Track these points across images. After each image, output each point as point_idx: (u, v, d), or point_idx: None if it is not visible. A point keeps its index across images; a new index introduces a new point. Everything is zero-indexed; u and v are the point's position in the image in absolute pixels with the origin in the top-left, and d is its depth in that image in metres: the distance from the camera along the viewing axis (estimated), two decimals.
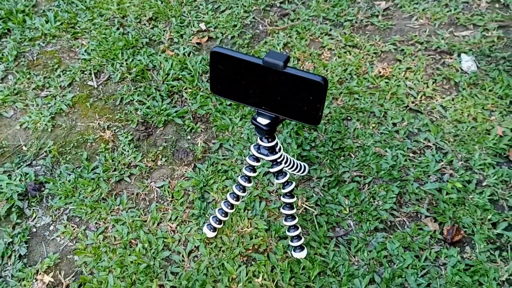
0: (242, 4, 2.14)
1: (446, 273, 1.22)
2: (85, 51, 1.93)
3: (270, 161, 1.11)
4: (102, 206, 1.41)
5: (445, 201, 1.37)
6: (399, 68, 1.78)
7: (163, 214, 1.39)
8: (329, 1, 2.13)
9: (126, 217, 1.38)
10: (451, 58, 1.82)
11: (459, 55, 1.82)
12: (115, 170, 1.51)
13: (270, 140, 1.07)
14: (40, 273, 1.28)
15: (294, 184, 1.16)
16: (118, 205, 1.42)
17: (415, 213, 1.36)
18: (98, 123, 1.66)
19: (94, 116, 1.69)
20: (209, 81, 1.01)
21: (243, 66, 0.94)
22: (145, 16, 2.09)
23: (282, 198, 1.17)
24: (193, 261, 1.28)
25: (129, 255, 1.29)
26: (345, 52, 1.87)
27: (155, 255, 1.29)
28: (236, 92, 0.99)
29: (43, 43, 1.98)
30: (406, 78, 1.75)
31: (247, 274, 1.23)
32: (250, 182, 1.18)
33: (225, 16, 2.08)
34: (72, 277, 1.27)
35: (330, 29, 1.99)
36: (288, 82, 0.91)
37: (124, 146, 1.58)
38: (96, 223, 1.38)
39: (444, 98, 1.67)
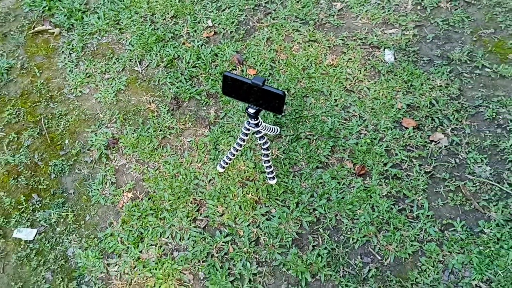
0: (238, 4, 2.96)
1: (353, 191, 2.21)
2: (130, 43, 2.79)
3: (255, 131, 2.05)
4: (155, 153, 2.37)
5: (359, 150, 2.33)
6: (343, 59, 2.67)
7: (192, 158, 2.35)
8: (300, 2, 2.95)
9: (171, 160, 2.34)
10: (378, 52, 2.70)
11: (384, 49, 2.70)
12: (160, 130, 2.45)
13: (255, 119, 2.00)
14: (125, 192, 2.26)
15: (269, 142, 2.10)
16: (165, 153, 2.37)
17: (341, 158, 2.33)
18: (145, 98, 2.58)
19: (142, 93, 2.60)
20: (222, 88, 1.89)
21: (240, 83, 1.84)
22: (168, 14, 2.92)
23: (262, 150, 2.12)
24: (211, 185, 2.26)
25: (175, 182, 2.27)
26: (308, 46, 2.74)
27: (190, 182, 2.27)
28: (237, 95, 1.90)
29: (99, 36, 2.83)
30: (347, 67, 2.64)
31: (242, 192, 2.22)
32: (244, 141, 2.12)
33: (225, 14, 2.91)
34: (144, 194, 2.25)
35: (300, 26, 2.84)
36: (265, 93, 1.82)
37: (164, 114, 2.50)
38: (153, 163, 2.34)
39: (369, 81, 2.58)
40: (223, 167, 2.28)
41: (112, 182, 2.30)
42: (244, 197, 2.20)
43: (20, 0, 3.03)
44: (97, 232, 2.16)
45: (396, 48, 2.70)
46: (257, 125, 2.00)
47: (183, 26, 2.87)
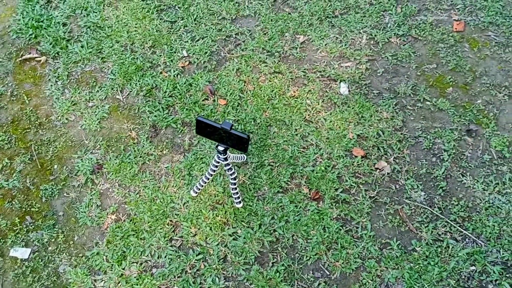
0: (210, 34, 3.25)
1: (308, 214, 2.58)
2: (111, 72, 3.06)
3: (224, 164, 2.38)
4: (136, 178, 2.68)
5: (315, 177, 2.69)
6: (304, 91, 3.01)
7: (169, 183, 2.67)
8: (267, 34, 3.26)
9: (149, 184, 2.66)
10: (335, 84, 3.04)
11: (340, 82, 3.05)
12: (140, 156, 2.75)
13: (224, 155, 2.33)
14: (109, 214, 2.57)
15: (236, 173, 2.44)
16: (145, 178, 2.68)
17: (298, 183, 2.68)
18: (126, 126, 2.87)
19: (123, 120, 2.89)
20: (195, 129, 2.20)
21: (211, 127, 2.15)
22: (147, 43, 3.19)
23: (230, 180, 2.45)
24: (186, 208, 2.59)
25: (153, 205, 2.59)
26: (273, 77, 3.06)
27: (166, 205, 2.59)
28: (208, 135, 2.21)
29: (83, 65, 3.09)
30: (307, 98, 2.98)
31: (213, 215, 2.56)
32: (214, 172, 2.45)
33: (199, 45, 3.20)
34: (126, 216, 2.57)
35: (266, 58, 3.15)
36: (232, 136, 2.15)
37: (143, 141, 2.81)
38: (134, 188, 2.66)
39: (326, 112, 2.93)
40: (196, 192, 2.61)
41: (97, 205, 2.60)
42: (214, 219, 2.54)
43: (7, 27, 3.24)
44: (85, 251, 2.48)
45: (350, 81, 3.05)
46: (225, 159, 2.33)
47: (160, 55, 3.15)
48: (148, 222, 2.53)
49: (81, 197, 2.63)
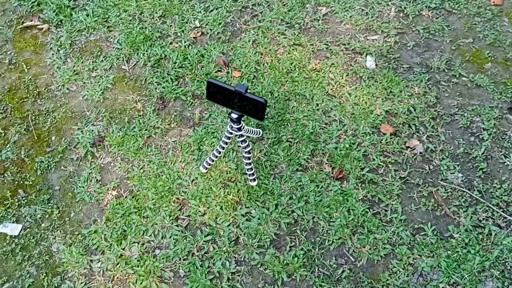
0: (225, 5, 3.01)
1: (330, 194, 2.30)
2: (117, 41, 2.83)
3: (237, 135, 2.12)
4: (140, 152, 2.43)
5: (338, 155, 2.41)
6: (326, 64, 2.74)
7: (176, 158, 2.41)
8: (287, 5, 3.01)
9: (155, 159, 2.40)
10: (361, 57, 2.77)
11: (366, 55, 2.78)
12: (146, 129, 2.51)
13: (238, 124, 2.07)
14: (109, 190, 2.32)
15: (251, 145, 2.18)
16: (150, 152, 2.43)
17: (320, 161, 2.41)
18: (132, 97, 2.63)
19: (129, 92, 2.65)
20: (206, 94, 1.95)
21: (224, 90, 1.90)
22: (157, 13, 2.96)
23: (243, 153, 2.19)
24: (194, 185, 2.33)
25: (159, 181, 2.33)
26: (293, 49, 2.81)
27: (173, 181, 2.33)
28: (220, 101, 1.96)
29: (87, 34, 2.87)
30: (330, 71, 2.72)
31: (224, 193, 2.29)
32: (227, 144, 2.19)
33: (213, 15, 2.96)
34: (128, 192, 2.32)
35: (285, 30, 2.90)
36: (247, 100, 1.89)
37: (150, 113, 2.56)
38: (138, 162, 2.41)
39: (351, 87, 2.66)
40: (206, 168, 2.35)
41: (97, 179, 2.35)
42: (226, 197, 2.27)
43: None
44: (81, 228, 2.22)
45: (378, 54, 2.78)
46: (239, 129, 2.07)
47: (170, 25, 2.92)
48: (152, 199, 2.28)
49: (79, 171, 2.38)
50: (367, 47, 2.80)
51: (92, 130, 2.49)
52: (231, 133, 2.10)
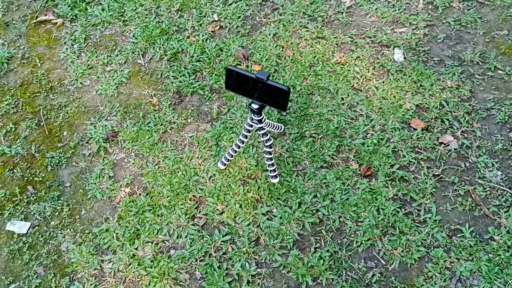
0: None
1: (358, 193, 2.13)
2: (133, 35, 2.73)
3: (258, 127, 1.98)
4: (155, 148, 2.30)
5: (365, 151, 2.25)
6: (352, 57, 2.60)
7: (193, 154, 2.28)
8: None
9: (170, 155, 2.27)
10: (388, 50, 2.62)
11: (393, 48, 2.62)
12: (161, 124, 2.38)
13: (259, 116, 1.93)
14: (122, 187, 2.19)
15: (272, 139, 2.03)
16: (165, 148, 2.30)
17: (346, 158, 2.25)
18: (147, 92, 2.51)
19: (144, 86, 2.54)
20: (225, 83, 1.82)
21: (244, 78, 1.77)
22: (174, 7, 2.86)
23: (264, 148, 2.05)
24: (212, 182, 2.19)
25: (174, 178, 2.20)
26: (316, 43, 2.67)
27: (189, 178, 2.20)
28: (240, 90, 1.83)
29: (102, 28, 2.77)
30: (355, 65, 2.57)
31: (243, 191, 2.14)
32: (247, 138, 2.05)
33: (232, 9, 2.84)
34: (142, 189, 2.19)
35: (307, 23, 2.76)
36: (269, 88, 1.75)
37: (165, 108, 2.44)
38: (152, 158, 2.28)
39: (378, 81, 2.50)
40: (225, 164, 2.20)
41: (109, 176, 2.23)
42: (245, 195, 2.13)
43: None
44: (92, 227, 2.09)
45: (406, 47, 2.62)
46: (260, 121, 1.93)
47: (188, 19, 2.81)
48: (167, 197, 2.14)
49: (91, 167, 2.26)
50: (394, 40, 2.65)
51: (106, 125, 2.38)
52: (251, 126, 1.97)
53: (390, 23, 2.75)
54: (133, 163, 2.26)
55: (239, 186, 2.16)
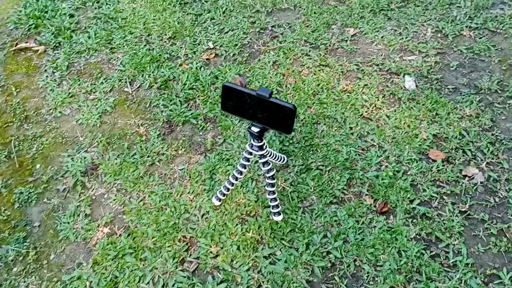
0: (242, 27, 2.71)
1: (374, 232, 1.84)
2: (121, 63, 2.51)
3: (259, 155, 1.71)
4: (140, 182, 2.01)
5: (380, 184, 1.98)
6: (359, 85, 2.38)
7: (183, 188, 1.99)
8: (310, 26, 2.71)
9: (158, 190, 1.98)
10: (398, 78, 2.41)
11: (404, 76, 2.42)
12: (148, 156, 2.11)
13: (259, 141, 1.67)
14: (100, 226, 1.88)
15: (274, 170, 1.76)
16: (152, 182, 2.02)
17: (358, 192, 1.97)
18: (134, 121, 2.25)
19: (130, 115, 2.28)
20: (221, 103, 1.59)
21: (243, 96, 1.52)
22: (166, 35, 2.67)
23: (266, 180, 1.77)
24: (205, 221, 1.88)
25: (161, 216, 1.90)
26: (319, 70, 2.46)
27: (179, 216, 1.90)
28: (238, 111, 1.58)
29: (88, 55, 2.56)
30: (363, 93, 2.34)
31: (241, 230, 1.84)
32: (245, 168, 1.78)
33: (228, 37, 2.65)
34: (123, 229, 1.88)
35: (309, 51, 2.57)
36: (272, 107, 1.50)
37: (154, 139, 2.17)
38: (137, 193, 1.98)
39: (389, 109, 2.27)
40: (220, 200, 1.91)
41: (86, 214, 1.92)
42: (244, 235, 1.82)
43: (6, 18, 2.78)
44: (61, 274, 1.76)
45: (417, 75, 2.42)
46: (261, 148, 1.67)
47: (181, 47, 2.61)
48: (153, 238, 1.83)
49: (65, 204, 1.96)
50: (404, 68, 2.45)
51: (85, 157, 2.10)
52: (251, 154, 1.70)
53: (398, 51, 2.56)
54: (114, 199, 1.96)
55: (237, 224, 1.86)
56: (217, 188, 1.97)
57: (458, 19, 2.71)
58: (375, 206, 1.92)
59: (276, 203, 1.83)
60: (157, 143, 2.16)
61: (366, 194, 1.96)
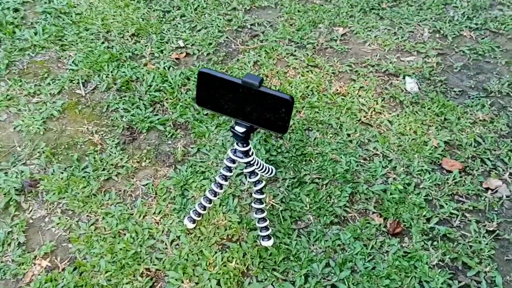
0: (217, 24, 2.37)
1: (388, 258, 1.48)
2: (73, 62, 2.11)
3: (245, 163, 1.34)
4: (93, 201, 1.60)
5: (389, 200, 1.63)
6: (354, 87, 2.06)
7: (148, 208, 1.59)
8: (294, 25, 2.39)
9: (115, 210, 1.57)
10: (397, 80, 2.11)
11: (404, 77, 2.11)
12: (103, 169, 1.70)
13: (245, 145, 1.30)
14: (38, 258, 1.45)
15: (264, 182, 1.39)
16: (107, 200, 1.60)
17: (364, 210, 1.62)
18: (87, 128, 1.85)
19: (83, 121, 1.87)
20: (195, 95, 1.23)
21: (226, 85, 1.16)
22: (128, 32, 2.29)
23: (253, 194, 1.40)
24: (175, 248, 1.48)
25: (118, 243, 1.48)
26: (307, 71, 2.13)
27: (142, 243, 1.49)
28: (219, 105, 1.21)
29: (33, 53, 2.14)
30: (359, 96, 2.02)
31: (222, 259, 1.45)
32: (226, 180, 1.40)
33: (201, 35, 2.30)
34: (68, 261, 1.45)
35: (295, 50, 2.25)
36: (262, 99, 1.14)
37: (111, 148, 1.77)
38: (87, 215, 1.56)
39: (390, 114, 1.95)
40: (194, 221, 1.52)
41: (19, 243, 1.48)
42: (225, 266, 1.42)
43: None
44: None
45: (418, 76, 2.12)
46: (246, 154, 1.32)
47: (146, 45, 2.23)
48: (107, 272, 1.40)
49: None
50: (403, 69, 2.15)
51: (22, 171, 1.67)
52: (234, 162, 1.34)
53: (395, 51, 2.27)
54: (58, 223, 1.53)
55: (216, 252, 1.46)
56: (191, 207, 1.57)
57: (456, 19, 2.46)
58: (385, 226, 1.56)
59: (265, 224, 1.45)
60: (115, 153, 1.75)
61: (373, 212, 1.61)
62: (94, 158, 1.73)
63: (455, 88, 2.08)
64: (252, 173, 1.36)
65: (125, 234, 1.51)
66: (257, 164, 1.46)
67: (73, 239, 1.49)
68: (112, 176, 1.68)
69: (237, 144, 1.30)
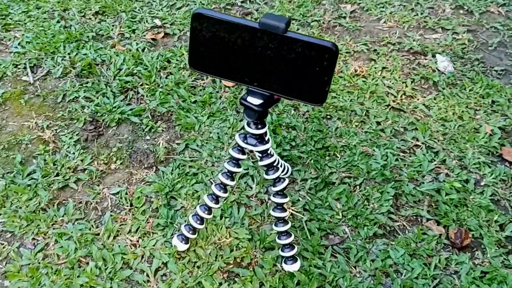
0: (200, 2, 1.95)
1: (460, 282, 1.06)
2: (19, 43, 1.65)
3: (259, 152, 0.92)
4: (41, 217, 1.13)
5: (446, 202, 1.22)
6: (375, 67, 1.67)
7: (120, 225, 1.13)
8: (294, 2, 2.00)
9: (73, 230, 1.10)
10: (425, 59, 1.73)
11: (433, 56, 1.74)
12: (57, 175, 1.23)
13: (260, 126, 0.88)
14: None
15: (287, 181, 0.96)
16: (62, 216, 1.14)
17: (415, 216, 1.20)
18: (35, 122, 1.38)
19: (30, 114, 1.41)
20: (188, 53, 0.81)
21: (234, 32, 0.75)
22: (90, 10, 1.85)
23: (272, 198, 0.97)
24: (161, 281, 1.02)
25: (78, 276, 1.01)
26: None
27: (113, 276, 1.03)
28: (223, 66, 0.80)
29: None
30: (384, 77, 1.63)
31: None
32: (233, 179, 0.97)
33: (182, 13, 1.88)
34: None
35: (298, 29, 1.85)
36: (290, 50, 0.73)
37: (68, 147, 1.31)
38: (33, 238, 1.09)
39: (425, 97, 1.56)
40: (187, 241, 1.07)
41: None
42: None
43: None
44: None
45: (450, 55, 1.75)
46: (261, 139, 0.90)
47: (113, 25, 1.79)
48: None
49: None
50: (430, 47, 1.78)
51: None
52: (243, 152, 0.92)
53: (416, 28, 1.90)
54: None
55: (221, 284, 1.01)
56: (181, 221, 1.12)
57: None
58: (448, 238, 1.15)
59: (289, 240, 1.02)
60: (73, 153, 1.29)
61: (428, 219, 1.19)
62: (45, 160, 1.26)
63: (495, 67, 1.71)
64: (270, 167, 0.94)
65: (87, 264, 1.04)
66: (271, 157, 1.03)
67: (11, 274, 1.02)
68: (69, 183, 1.22)
69: (248, 125, 0.88)
